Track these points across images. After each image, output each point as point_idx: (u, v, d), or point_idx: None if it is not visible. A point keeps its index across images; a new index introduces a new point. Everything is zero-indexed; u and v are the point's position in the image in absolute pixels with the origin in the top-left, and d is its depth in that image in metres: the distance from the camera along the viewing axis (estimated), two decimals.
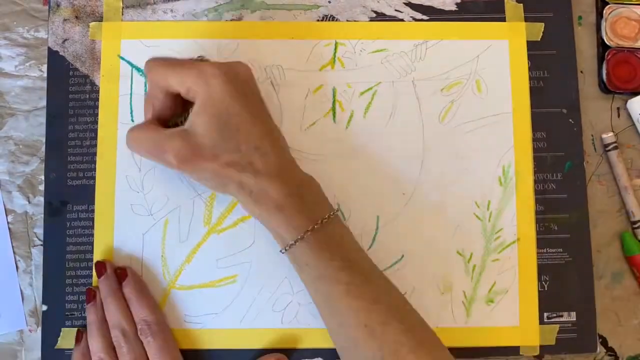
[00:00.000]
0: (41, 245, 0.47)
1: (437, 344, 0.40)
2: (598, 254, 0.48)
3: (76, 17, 0.49)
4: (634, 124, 0.49)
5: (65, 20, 0.48)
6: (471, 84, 0.48)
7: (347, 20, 0.49)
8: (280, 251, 0.41)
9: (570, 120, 0.49)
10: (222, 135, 0.39)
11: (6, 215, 0.47)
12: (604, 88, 0.49)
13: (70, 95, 0.48)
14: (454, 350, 0.46)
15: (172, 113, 0.43)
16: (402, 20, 0.49)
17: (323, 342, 0.45)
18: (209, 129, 0.38)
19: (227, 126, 0.39)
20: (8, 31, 0.49)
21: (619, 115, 0.49)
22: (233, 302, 0.46)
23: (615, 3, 0.50)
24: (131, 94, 0.48)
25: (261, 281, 0.46)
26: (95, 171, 0.47)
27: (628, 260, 0.48)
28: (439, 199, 0.47)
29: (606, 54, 0.49)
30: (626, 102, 0.49)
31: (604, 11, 0.50)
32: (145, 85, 0.48)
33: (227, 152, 0.39)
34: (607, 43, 0.49)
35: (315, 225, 0.39)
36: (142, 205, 0.47)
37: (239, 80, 0.40)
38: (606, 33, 0.50)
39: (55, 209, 0.47)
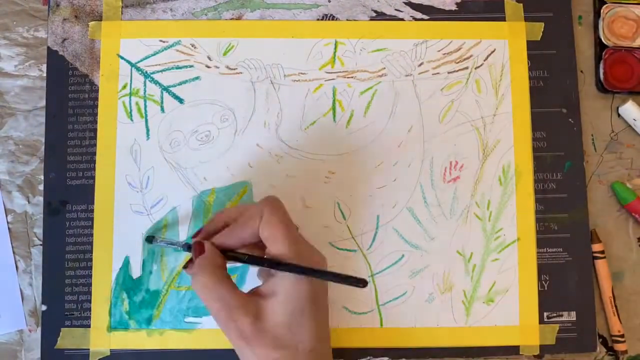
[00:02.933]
0: (41, 245, 0.47)
1: None
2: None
3: (75, 16, 0.48)
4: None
5: (64, 19, 0.48)
6: (471, 83, 0.48)
7: (347, 20, 0.49)
8: None
9: (570, 119, 0.49)
10: (290, 331, 0.37)
11: (6, 215, 0.47)
12: (601, 87, 0.49)
13: (69, 95, 0.48)
14: (454, 350, 0.46)
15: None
16: (402, 19, 0.49)
17: None
18: (281, 322, 0.36)
19: (298, 324, 0.37)
20: (8, 31, 0.49)
21: (618, 115, 0.49)
22: None
23: (613, 2, 0.50)
24: (130, 93, 0.48)
25: (261, 281, 0.46)
26: (94, 171, 0.47)
27: (626, 209, 0.48)
28: (439, 198, 0.47)
29: (603, 53, 0.49)
30: (624, 103, 0.49)
31: (602, 10, 0.50)
32: (145, 85, 0.48)
33: (284, 347, 0.36)
34: (605, 42, 0.49)
35: None
36: (142, 205, 0.47)
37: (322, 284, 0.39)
38: (603, 32, 0.49)
39: (54, 209, 0.47)
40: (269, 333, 0.36)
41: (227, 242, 0.39)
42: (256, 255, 0.39)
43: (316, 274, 0.36)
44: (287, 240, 0.37)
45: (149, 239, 0.45)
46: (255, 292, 0.38)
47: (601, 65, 0.49)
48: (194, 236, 0.41)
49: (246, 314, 0.36)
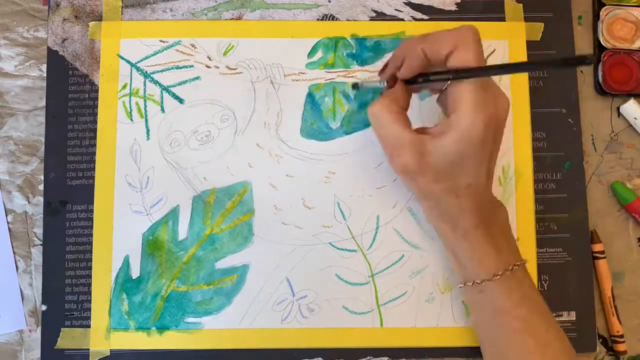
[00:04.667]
0: (41, 245, 0.47)
1: None
2: None
3: (76, 16, 0.49)
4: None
5: (64, 19, 0.48)
6: None
7: (347, 20, 0.49)
8: (459, 286, 0.42)
9: (570, 120, 0.49)
10: (452, 168, 0.38)
11: (6, 215, 0.47)
12: (600, 90, 0.49)
13: (69, 95, 0.48)
14: (453, 350, 0.46)
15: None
16: (402, 19, 0.49)
17: (323, 342, 0.45)
18: (447, 160, 0.37)
19: (461, 163, 0.38)
20: (8, 31, 0.49)
21: (618, 115, 0.50)
22: (233, 302, 0.46)
23: (612, 4, 0.50)
24: (130, 93, 0.48)
25: (261, 281, 0.46)
26: (94, 171, 0.47)
27: (626, 209, 0.48)
28: None
29: (602, 55, 0.49)
30: (625, 102, 0.49)
31: (601, 13, 0.50)
32: (145, 85, 0.48)
33: (445, 180, 0.38)
34: (604, 44, 0.49)
35: (507, 270, 0.40)
36: (141, 205, 0.47)
37: (500, 123, 0.38)
38: (602, 34, 0.49)
39: (54, 209, 0.47)
40: (432, 169, 0.38)
41: (407, 73, 0.39)
42: (444, 69, 0.38)
43: (526, 65, 0.35)
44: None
45: (354, 85, 0.47)
46: (424, 131, 0.39)
47: (600, 68, 0.49)
48: (380, 73, 0.43)
49: (412, 152, 0.38)
